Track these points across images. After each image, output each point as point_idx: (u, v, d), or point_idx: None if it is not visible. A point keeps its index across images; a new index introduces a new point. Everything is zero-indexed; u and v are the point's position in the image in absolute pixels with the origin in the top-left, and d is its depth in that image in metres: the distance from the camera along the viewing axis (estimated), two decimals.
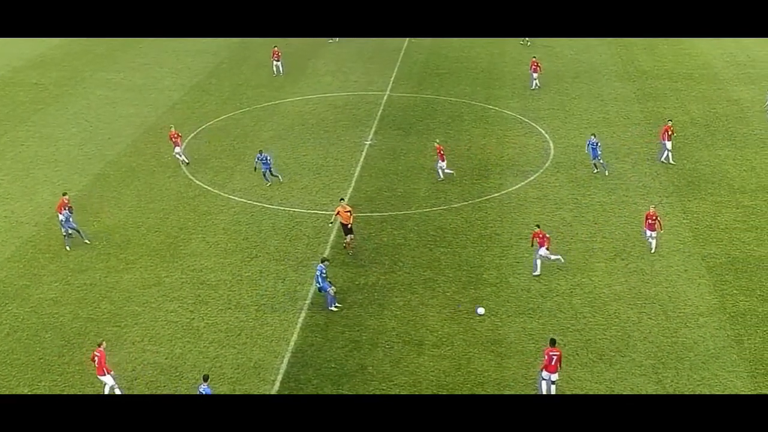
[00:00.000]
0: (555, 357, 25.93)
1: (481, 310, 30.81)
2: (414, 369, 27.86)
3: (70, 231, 36.01)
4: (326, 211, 38.76)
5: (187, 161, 43.65)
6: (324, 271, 31.19)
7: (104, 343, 27.36)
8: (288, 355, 28.69)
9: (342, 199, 37.83)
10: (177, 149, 43.69)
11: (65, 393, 26.99)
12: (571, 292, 32.03)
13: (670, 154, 42.91)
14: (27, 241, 36.57)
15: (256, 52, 64.65)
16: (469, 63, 61.25)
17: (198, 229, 37.40)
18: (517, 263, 34.04)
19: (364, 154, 45.25)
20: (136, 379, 27.61)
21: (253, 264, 34.43)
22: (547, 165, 43.35)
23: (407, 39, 67.41)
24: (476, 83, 56.67)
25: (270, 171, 41.54)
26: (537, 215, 37.72)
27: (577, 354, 28.36)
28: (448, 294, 32.07)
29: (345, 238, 35.33)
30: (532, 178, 41.94)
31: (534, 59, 55.34)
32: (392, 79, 57.86)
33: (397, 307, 31.33)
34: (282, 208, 39.29)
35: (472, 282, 32.88)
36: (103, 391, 26.78)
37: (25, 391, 27.15)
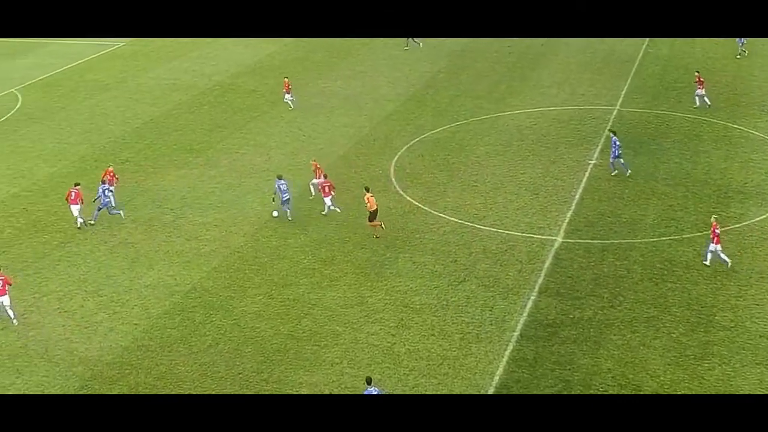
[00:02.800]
0: None
1: (275, 213, 39.02)
2: None
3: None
4: (542, 234, 38.19)
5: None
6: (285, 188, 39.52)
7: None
8: (491, 390, 28.38)
9: (367, 188, 39.41)
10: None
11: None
12: None
13: None
14: (234, 251, 38.33)
15: (476, 61, 64.92)
16: (711, 76, 58.51)
17: (405, 247, 37.83)
18: (757, 305, 32.08)
19: (587, 174, 44.23)
20: None
21: (460, 289, 34.41)
22: None
23: (643, 48, 65.50)
24: (719, 99, 54.07)
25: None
26: None
27: None
28: (673, 336, 30.65)
29: (371, 224, 38.21)
30: None
31: (697, 74, 52.78)
32: (623, 92, 56.31)
33: (614, 347, 30.29)
34: (494, 229, 39.05)
35: (702, 324, 31.28)
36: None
37: None
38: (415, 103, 56.53)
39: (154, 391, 29.05)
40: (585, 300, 33.22)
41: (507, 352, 30.27)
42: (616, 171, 43.80)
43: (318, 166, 42.81)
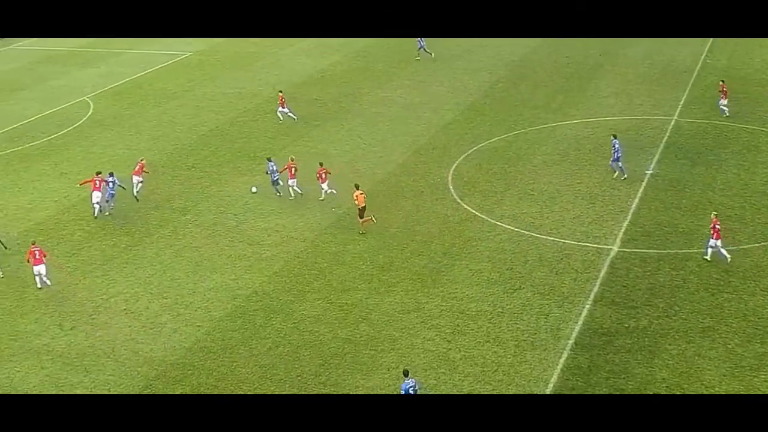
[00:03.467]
0: None
1: (254, 189, 43.79)
2: None
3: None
4: (598, 243, 37.80)
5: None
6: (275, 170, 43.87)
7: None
8: None
9: (357, 185, 40.60)
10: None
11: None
12: None
13: None
14: (295, 257, 38.55)
15: (534, 71, 64.48)
16: None
17: (462, 255, 37.70)
18: None
19: (644, 184, 43.63)
20: None
21: (515, 296, 34.19)
22: None
23: (701, 58, 64.49)
24: None
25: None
26: None
27: None
28: (729, 347, 30.07)
29: (361, 221, 39.81)
30: None
31: (722, 83, 52.23)
32: (681, 103, 55.43)
33: (669, 356, 29.82)
34: (551, 238, 38.73)
35: (758, 335, 30.64)
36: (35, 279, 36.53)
37: None
38: (474, 113, 56.31)
39: (215, 392, 29.35)
40: (640, 309, 32.77)
41: (561, 360, 29.99)
42: (617, 173, 44.38)
43: (294, 166, 44.04)
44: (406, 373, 27.44)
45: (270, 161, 44.61)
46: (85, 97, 64.17)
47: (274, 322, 33.55)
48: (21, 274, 37.85)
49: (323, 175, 43.40)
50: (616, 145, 44.15)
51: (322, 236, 40.24)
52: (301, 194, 43.97)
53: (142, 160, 46.34)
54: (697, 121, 52.21)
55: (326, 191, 43.47)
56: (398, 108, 58.15)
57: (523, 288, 34.76)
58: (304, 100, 61.07)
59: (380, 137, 52.91)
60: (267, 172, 44.54)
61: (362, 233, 39.80)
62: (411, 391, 26.87)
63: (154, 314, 34.51)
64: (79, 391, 29.83)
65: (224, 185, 46.73)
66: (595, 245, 37.76)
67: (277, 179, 44.14)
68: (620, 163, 44.19)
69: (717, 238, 35.20)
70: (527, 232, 39.30)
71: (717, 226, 35.19)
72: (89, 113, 60.58)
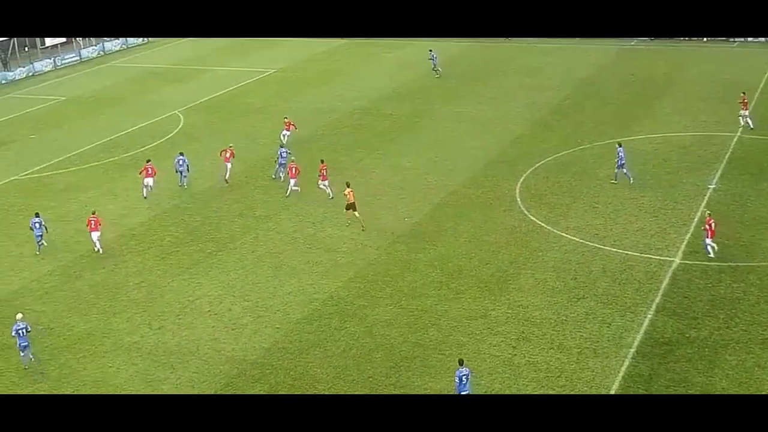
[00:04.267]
0: None
1: (274, 176, 47.80)
2: None
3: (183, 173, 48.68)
4: (660, 255, 37.18)
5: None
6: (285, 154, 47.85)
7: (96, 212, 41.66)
8: None
9: (348, 183, 42.32)
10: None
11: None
12: None
13: None
14: (369, 264, 38.71)
15: (601, 89, 63.81)
16: None
17: (528, 265, 37.44)
18: None
19: (706, 198, 42.79)
20: None
21: (579, 305, 33.82)
22: None
23: (765, 77, 63.01)
24: None
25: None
26: None
27: None
28: None
29: (352, 214, 41.47)
30: None
31: (743, 95, 51.56)
32: None
33: (729, 367, 29.17)
34: (614, 249, 38.22)
35: None
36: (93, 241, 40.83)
37: None
38: (542, 128, 55.94)
39: (292, 391, 29.63)
40: (701, 320, 32.14)
41: (623, 368, 29.55)
42: (618, 180, 45.00)
43: (294, 166, 46.33)
44: (461, 362, 27.89)
45: (282, 148, 49.10)
46: (176, 111, 65.50)
47: (348, 326, 33.74)
48: (114, 276, 38.81)
49: (323, 173, 45.22)
50: (621, 153, 44.52)
51: (394, 244, 40.36)
52: (298, 191, 46.21)
53: (231, 147, 50.10)
54: (761, 137, 51.03)
55: (326, 188, 45.32)
56: (469, 123, 58.07)
57: (587, 297, 34.37)
58: (379, 114, 61.47)
59: (452, 151, 52.86)
60: (276, 158, 48.82)
61: (348, 225, 41.89)
62: (464, 379, 27.46)
63: (237, 316, 35.01)
64: (165, 387, 30.43)
65: (303, 195, 47.16)
66: (658, 257, 37.15)
67: (284, 163, 47.79)
68: (624, 170, 44.70)
69: (711, 236, 36.14)
70: (591, 244, 38.86)
71: (711, 224, 36.18)
72: (180, 126, 61.80)
